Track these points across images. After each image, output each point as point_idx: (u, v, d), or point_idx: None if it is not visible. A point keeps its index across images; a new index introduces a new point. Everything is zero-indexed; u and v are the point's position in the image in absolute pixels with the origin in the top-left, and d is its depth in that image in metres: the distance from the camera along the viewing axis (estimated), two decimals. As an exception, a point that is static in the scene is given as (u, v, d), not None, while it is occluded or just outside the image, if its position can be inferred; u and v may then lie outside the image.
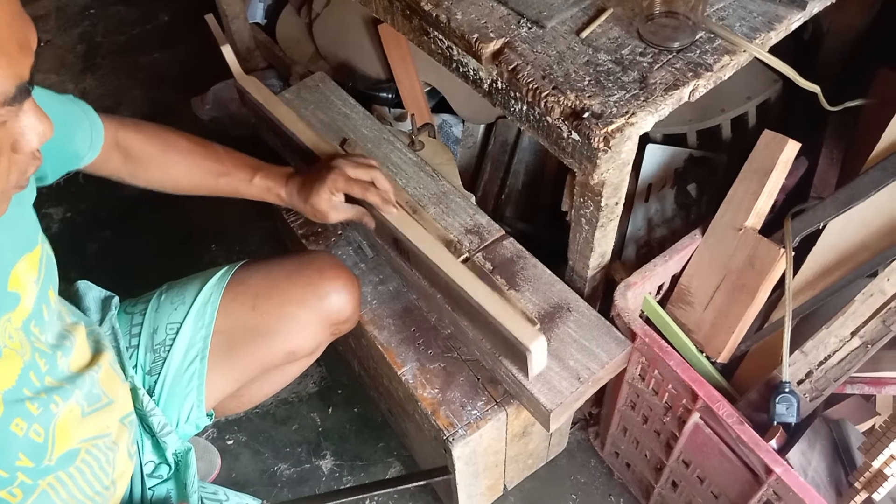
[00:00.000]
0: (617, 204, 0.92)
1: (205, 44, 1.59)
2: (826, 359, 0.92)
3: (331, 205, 0.97)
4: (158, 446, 0.88)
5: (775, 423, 0.90)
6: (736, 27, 0.81)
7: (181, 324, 0.91)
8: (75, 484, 0.72)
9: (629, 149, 0.82)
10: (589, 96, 0.76)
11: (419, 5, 0.88)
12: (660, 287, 1.09)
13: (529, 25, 0.84)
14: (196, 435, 1.03)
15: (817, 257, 0.99)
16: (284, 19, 1.81)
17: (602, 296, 1.10)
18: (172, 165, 0.96)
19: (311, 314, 0.95)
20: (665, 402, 1.01)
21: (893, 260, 0.92)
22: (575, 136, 0.78)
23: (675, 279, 1.08)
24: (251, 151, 1.02)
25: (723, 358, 1.03)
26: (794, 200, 1.04)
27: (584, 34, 0.83)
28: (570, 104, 0.76)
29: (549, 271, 1.05)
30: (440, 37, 0.90)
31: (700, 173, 1.24)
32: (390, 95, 1.56)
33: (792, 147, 0.96)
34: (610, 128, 0.74)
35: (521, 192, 1.50)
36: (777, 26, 0.81)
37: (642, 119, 0.75)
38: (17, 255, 0.67)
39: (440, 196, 1.14)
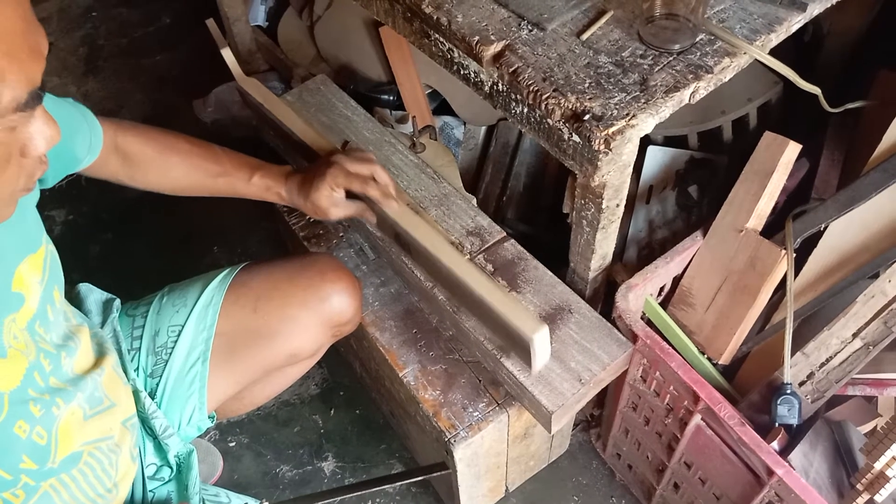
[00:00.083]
0: (618, 206, 0.92)
1: (206, 46, 1.59)
2: (827, 360, 0.92)
3: (331, 201, 0.97)
4: (160, 448, 0.88)
5: (777, 424, 0.90)
6: (736, 29, 0.81)
7: (183, 326, 0.91)
8: (78, 486, 0.72)
9: (630, 151, 0.82)
10: (590, 98, 0.77)
11: (420, 8, 0.89)
12: (661, 289, 1.09)
13: (530, 28, 0.85)
14: (198, 437, 1.03)
15: (818, 259, 0.99)
16: (286, 22, 1.81)
17: (603, 297, 1.10)
18: (171, 167, 0.96)
19: (312, 316, 0.95)
20: (667, 404, 1.01)
21: (895, 261, 0.92)
22: (576, 138, 0.79)
23: (677, 281, 1.08)
24: (252, 153, 1.02)
25: (724, 359, 1.03)
26: (795, 202, 1.04)
27: (585, 36, 0.83)
28: (570, 106, 0.77)
29: (551, 273, 1.05)
30: (441, 39, 0.90)
31: (701, 175, 1.24)
32: (392, 98, 1.56)
33: (793, 148, 0.96)
34: (611, 130, 0.74)
35: (522, 194, 1.50)
36: (777, 28, 0.81)
37: (643, 121, 0.75)
38: (20, 255, 0.68)
39: (441, 198, 1.14)
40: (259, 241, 1.72)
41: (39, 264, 0.70)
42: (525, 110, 0.85)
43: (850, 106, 1.04)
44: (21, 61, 0.50)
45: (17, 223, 0.66)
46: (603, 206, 0.89)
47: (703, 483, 1.03)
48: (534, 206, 1.49)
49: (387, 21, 1.01)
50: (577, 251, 1.02)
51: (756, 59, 0.80)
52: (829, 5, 0.85)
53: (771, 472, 0.84)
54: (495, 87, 0.87)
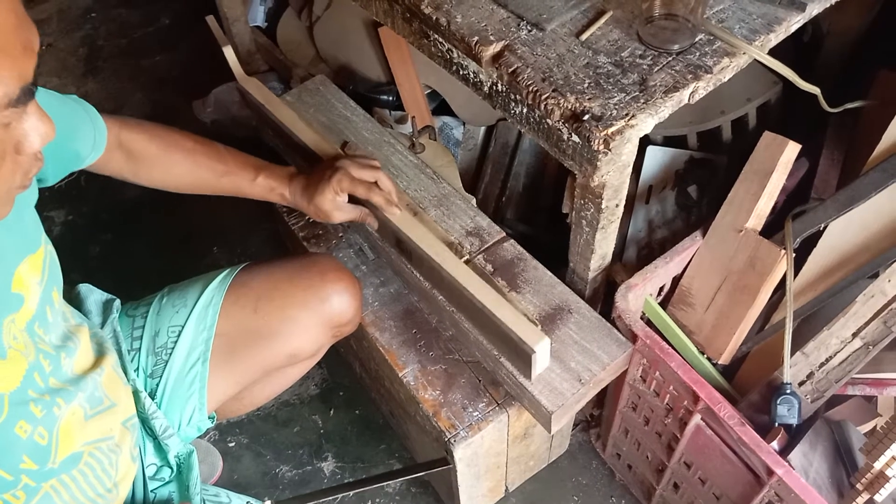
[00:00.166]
0: (617, 206, 0.92)
1: (205, 46, 1.59)
2: (827, 360, 0.92)
3: (335, 205, 0.98)
4: (160, 449, 0.88)
5: (777, 424, 0.90)
6: (735, 29, 0.81)
7: (183, 327, 0.91)
8: (78, 487, 0.72)
9: (629, 151, 0.82)
10: (589, 99, 0.77)
11: (419, 8, 0.89)
12: (661, 289, 1.09)
13: (529, 28, 0.85)
14: (198, 437, 1.03)
15: (818, 258, 0.99)
16: (285, 22, 1.81)
17: (603, 297, 1.10)
18: (175, 164, 0.96)
19: (312, 316, 0.95)
20: (666, 404, 1.01)
21: (894, 261, 0.92)
22: (575, 138, 0.79)
23: (676, 281, 1.08)
24: (252, 153, 1.02)
25: (724, 359, 1.03)
26: (794, 202, 1.04)
27: (584, 37, 0.83)
28: (570, 106, 0.77)
29: (550, 273, 1.05)
30: (440, 40, 0.90)
31: (700, 175, 1.24)
32: (391, 98, 1.56)
33: (792, 148, 0.96)
34: (610, 130, 0.74)
35: (521, 195, 1.50)
36: (776, 28, 0.81)
37: (642, 121, 0.75)
38: (20, 256, 0.68)
39: (441, 198, 1.14)
40: (259, 241, 1.72)
41: (39, 265, 0.70)
42: (524, 110, 0.85)
43: (849, 106, 1.04)
44: (13, 57, 0.50)
45: (16, 224, 0.67)
46: (602, 206, 0.89)
47: (702, 483, 1.03)
48: (533, 206, 1.49)
49: (386, 21, 1.01)
50: (576, 251, 1.02)
51: (755, 60, 0.80)
52: (828, 5, 0.85)
53: (771, 472, 0.84)
54: (494, 87, 0.87)
